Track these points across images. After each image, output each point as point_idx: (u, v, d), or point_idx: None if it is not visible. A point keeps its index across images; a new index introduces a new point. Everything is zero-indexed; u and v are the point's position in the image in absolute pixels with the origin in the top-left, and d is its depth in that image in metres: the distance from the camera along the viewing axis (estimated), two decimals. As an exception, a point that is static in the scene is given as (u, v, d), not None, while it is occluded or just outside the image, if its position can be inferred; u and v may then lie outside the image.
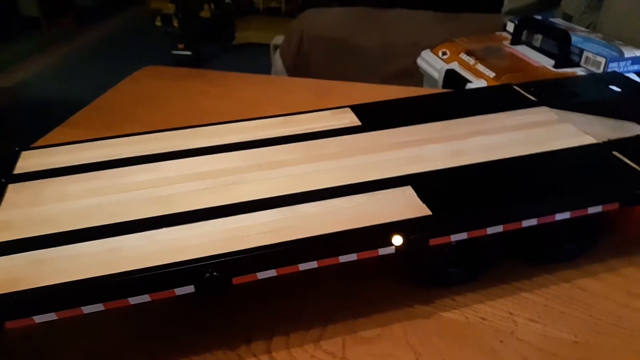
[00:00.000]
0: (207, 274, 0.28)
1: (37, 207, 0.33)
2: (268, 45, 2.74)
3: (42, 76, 2.70)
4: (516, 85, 0.50)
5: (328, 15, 1.21)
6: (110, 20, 3.53)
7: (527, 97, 0.47)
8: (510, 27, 0.88)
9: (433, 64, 0.86)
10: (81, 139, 0.55)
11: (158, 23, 2.92)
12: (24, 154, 0.39)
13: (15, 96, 2.42)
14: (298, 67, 1.17)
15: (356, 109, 0.45)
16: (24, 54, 3.01)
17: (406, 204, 0.33)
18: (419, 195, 0.33)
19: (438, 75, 0.84)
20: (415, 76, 0.99)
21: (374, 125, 0.42)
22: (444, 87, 0.82)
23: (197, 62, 2.57)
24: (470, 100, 0.48)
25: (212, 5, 2.91)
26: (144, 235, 0.30)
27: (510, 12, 1.03)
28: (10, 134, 1.86)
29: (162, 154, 0.39)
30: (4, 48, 3.05)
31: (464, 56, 0.82)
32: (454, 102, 0.48)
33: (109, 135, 0.55)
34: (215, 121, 0.58)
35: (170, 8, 2.79)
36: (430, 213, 0.32)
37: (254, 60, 2.72)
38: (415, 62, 0.96)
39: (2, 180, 0.36)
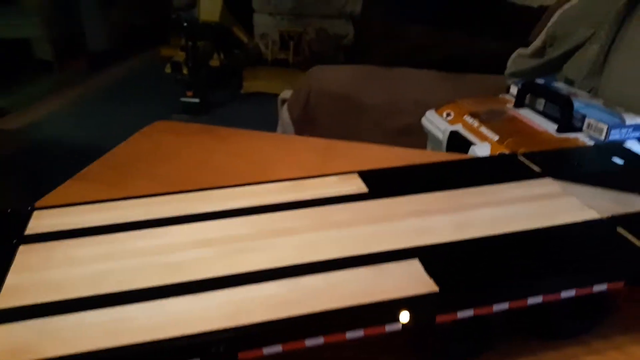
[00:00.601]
0: (213, 349, 0.28)
1: (46, 271, 0.33)
2: (275, 95, 2.80)
3: (53, 118, 2.75)
4: (521, 155, 0.51)
5: (335, 72, 1.24)
6: (121, 65, 3.62)
7: (531, 167, 0.48)
8: (514, 90, 0.90)
9: (437, 124, 0.87)
10: (92, 192, 0.57)
11: (168, 70, 2.99)
12: (36, 213, 0.40)
13: (26, 138, 2.45)
14: (304, 121, 1.19)
15: (363, 175, 0.46)
16: (35, 96, 3.08)
17: (413, 279, 0.33)
18: (426, 270, 0.34)
19: (442, 136, 0.85)
20: (419, 134, 1.00)
21: (380, 193, 0.43)
22: (448, 148, 0.83)
23: (204, 109, 2.62)
24: (476, 170, 0.49)
25: (222, 55, 2.99)
26: (152, 305, 0.31)
27: (513, 75, 1.06)
28: (20, 176, 1.88)
29: (172, 218, 0.40)
30: (17, 90, 3.12)
31: (468, 118, 0.84)
32: (460, 170, 0.49)
33: (119, 189, 0.57)
34: (225, 179, 0.59)
35: (181, 56, 2.86)
36: (437, 289, 0.32)
37: (261, 108, 2.77)
38: (418, 119, 0.98)
39: (14, 241, 0.36)
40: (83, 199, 0.56)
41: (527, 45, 1.15)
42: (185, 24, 2.73)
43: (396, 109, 1.12)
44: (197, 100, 2.57)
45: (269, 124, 2.48)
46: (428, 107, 0.98)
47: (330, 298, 0.31)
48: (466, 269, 0.34)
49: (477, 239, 0.37)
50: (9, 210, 0.40)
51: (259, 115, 2.67)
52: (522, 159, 0.50)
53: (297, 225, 0.39)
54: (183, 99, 2.58)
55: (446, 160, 0.50)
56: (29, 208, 0.40)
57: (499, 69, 1.20)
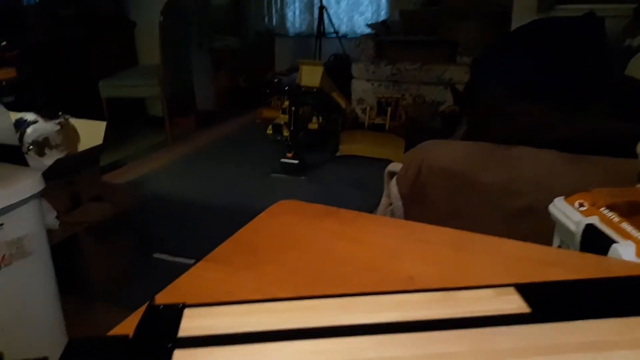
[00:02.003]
0: None
1: (204, 386, 0.32)
2: (370, 159, 2.82)
3: (161, 172, 2.93)
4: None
5: (448, 148, 1.22)
6: (226, 125, 3.83)
7: None
8: (656, 181, 0.83)
9: (569, 215, 0.81)
10: (223, 275, 0.57)
11: (269, 131, 3.11)
12: (187, 312, 0.40)
13: (137, 191, 2.62)
14: (414, 197, 1.16)
15: (522, 289, 0.42)
16: (146, 151, 3.31)
17: None
18: None
19: (575, 228, 0.79)
20: (540, 217, 0.94)
21: (544, 315, 0.39)
22: (582, 243, 0.77)
23: (302, 170, 2.67)
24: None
25: (321, 118, 3.07)
26: None
27: (650, 163, 0.98)
28: (132, 229, 1.99)
29: (320, 329, 0.38)
30: (130, 144, 3.39)
31: (605, 211, 0.77)
32: (633, 289, 0.44)
33: (249, 272, 0.57)
34: (355, 270, 0.57)
35: (282, 119, 2.98)
36: None
37: (356, 171, 2.79)
38: (540, 202, 0.92)
39: (169, 345, 0.36)
40: (216, 282, 0.57)
41: (660, 127, 1.07)
42: (286, 88, 2.85)
43: (515, 190, 1.07)
44: (296, 161, 2.64)
45: (364, 187, 2.48)
46: (551, 190, 0.92)
47: None
48: None
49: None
50: (161, 307, 0.40)
51: (354, 178, 2.69)
52: None
53: (457, 350, 0.36)
54: (283, 160, 2.66)
55: (613, 276, 0.45)
56: (180, 306, 0.40)
57: (627, 151, 1.11)
